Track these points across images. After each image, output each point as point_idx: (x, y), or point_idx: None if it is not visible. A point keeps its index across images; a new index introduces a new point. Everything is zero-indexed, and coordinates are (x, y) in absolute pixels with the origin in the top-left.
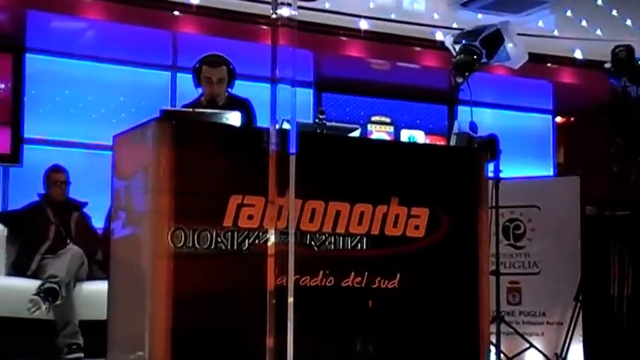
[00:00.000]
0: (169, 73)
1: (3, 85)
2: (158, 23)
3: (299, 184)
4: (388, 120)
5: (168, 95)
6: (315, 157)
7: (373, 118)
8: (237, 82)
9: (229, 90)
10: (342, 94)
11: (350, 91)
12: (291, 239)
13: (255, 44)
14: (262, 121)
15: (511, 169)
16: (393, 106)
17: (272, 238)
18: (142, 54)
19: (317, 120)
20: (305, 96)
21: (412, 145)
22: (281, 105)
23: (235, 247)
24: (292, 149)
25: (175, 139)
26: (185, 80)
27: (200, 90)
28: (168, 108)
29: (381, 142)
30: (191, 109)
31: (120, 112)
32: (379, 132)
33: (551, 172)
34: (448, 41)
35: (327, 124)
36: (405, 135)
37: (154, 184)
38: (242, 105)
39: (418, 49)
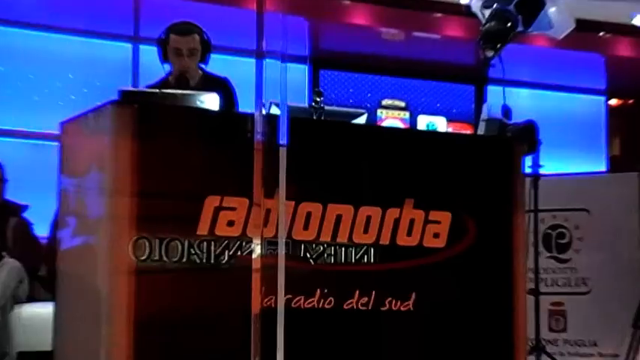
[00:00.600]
0: (130, 46)
1: None
2: None
3: (291, 183)
4: (402, 104)
5: (130, 73)
6: (310, 150)
7: (384, 102)
8: (214, 57)
9: (203, 67)
10: (344, 72)
11: (354, 68)
12: (282, 250)
13: (237, 10)
14: (245, 104)
15: (554, 163)
16: (408, 86)
17: (257, 250)
18: (97, 21)
19: (313, 103)
20: (298, 74)
21: (431, 135)
22: (269, 85)
23: (212, 261)
24: (282, 139)
25: (138, 128)
26: (150, 54)
27: (168, 67)
28: (129, 88)
29: (392, 131)
30: (157, 90)
31: (68, 94)
32: (392, 119)
33: (603, 168)
34: (475, 5)
35: (326, 108)
36: (423, 122)
37: (112, 183)
38: (220, 85)
39: (439, 15)
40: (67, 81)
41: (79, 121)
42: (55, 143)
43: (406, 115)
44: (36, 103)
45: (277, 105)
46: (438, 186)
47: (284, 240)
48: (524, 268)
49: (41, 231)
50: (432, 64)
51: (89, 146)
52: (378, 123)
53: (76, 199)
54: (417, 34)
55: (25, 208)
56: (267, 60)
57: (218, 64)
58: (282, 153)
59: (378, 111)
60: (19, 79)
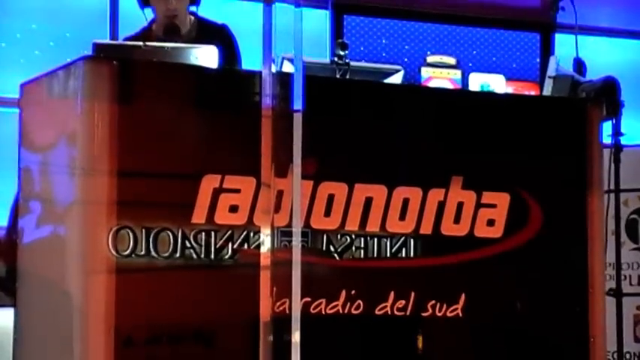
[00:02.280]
0: None
1: None
2: None
3: (308, 158)
4: (452, 61)
5: (106, 21)
6: (333, 117)
7: (430, 59)
8: (213, 1)
9: (195, 12)
10: (374, 18)
11: (387, 14)
12: (297, 242)
13: None
14: (251, 60)
15: (638, 131)
16: (456, 36)
17: (267, 242)
18: None
19: (336, 58)
20: (318, 21)
21: (485, 97)
22: (280, 36)
23: (212, 256)
24: (297, 104)
25: (117, 90)
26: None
27: (151, 13)
28: (106, 41)
29: (435, 92)
30: (141, 43)
31: (32, 48)
32: (439, 79)
33: None
34: None
35: (352, 64)
36: (476, 82)
37: (85, 160)
38: (218, 35)
39: None
40: (29, 32)
41: (44, 81)
42: (15, 110)
43: (457, 74)
44: None
45: (291, 61)
46: (493, 161)
47: (300, 229)
48: (602, 263)
49: None
50: (487, 6)
51: (56, 113)
52: (423, 85)
53: (40, 180)
54: None
55: None
56: (278, 4)
57: (216, 9)
58: (297, 120)
59: (423, 69)
60: None
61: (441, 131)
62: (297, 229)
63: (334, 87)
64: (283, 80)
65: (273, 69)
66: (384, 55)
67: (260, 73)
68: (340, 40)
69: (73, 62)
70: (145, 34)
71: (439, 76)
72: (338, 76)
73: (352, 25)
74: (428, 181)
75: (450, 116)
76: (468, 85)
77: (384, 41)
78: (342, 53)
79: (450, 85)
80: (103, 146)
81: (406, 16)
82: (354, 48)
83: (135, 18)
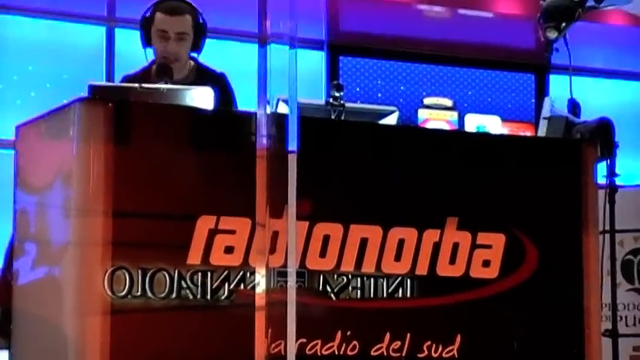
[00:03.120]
0: (104, 28)
1: None
2: None
3: (304, 199)
4: (449, 102)
5: (103, 63)
6: (328, 157)
7: (427, 101)
8: (209, 42)
9: (196, 57)
10: (369, 59)
11: (383, 55)
12: (292, 282)
13: None
14: (246, 101)
15: (634, 171)
16: (452, 77)
17: (263, 282)
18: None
19: (331, 99)
20: (313, 62)
21: (481, 137)
22: (275, 77)
23: (208, 297)
24: (292, 144)
25: (113, 131)
26: (128, 40)
27: (151, 53)
28: (102, 83)
29: (430, 133)
30: (137, 85)
31: (28, 90)
32: (436, 120)
33: None
34: None
35: (347, 105)
36: (472, 122)
37: (81, 200)
38: (215, 82)
39: None
40: (26, 74)
41: (40, 123)
42: (10, 151)
43: (454, 115)
44: None
45: (286, 102)
46: (488, 201)
47: (295, 269)
48: (598, 303)
49: None
50: (483, 48)
51: (52, 155)
52: (420, 125)
53: (36, 221)
54: (463, 11)
55: None
56: (273, 45)
57: (213, 50)
58: (292, 161)
59: (420, 111)
60: None
61: (436, 172)
62: (292, 269)
63: (329, 128)
64: (278, 121)
65: (268, 110)
66: (379, 95)
67: (255, 114)
68: (335, 82)
69: (69, 104)
70: (144, 73)
71: (436, 118)
72: (333, 117)
73: (348, 66)
74: (423, 222)
75: (445, 157)
76: (464, 127)
77: (379, 82)
78: (337, 94)
79: (446, 127)
80: (99, 187)
81: (402, 57)
82: (349, 89)
83: (131, 58)
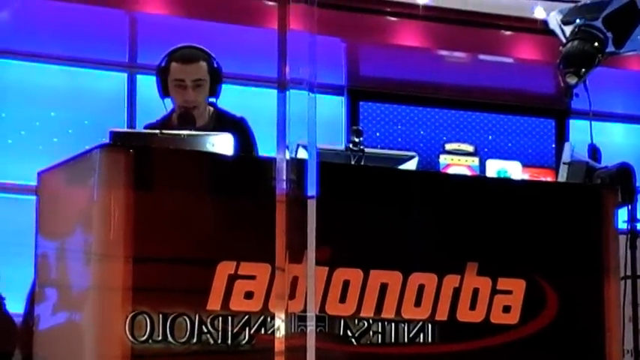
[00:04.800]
0: (125, 75)
1: None
2: (109, 0)
3: (323, 244)
4: (470, 148)
5: (124, 110)
6: (347, 203)
7: (448, 147)
8: (226, 87)
9: (214, 102)
10: (389, 104)
11: (402, 100)
12: (312, 327)
13: (254, 29)
14: (266, 147)
15: None
16: (472, 122)
17: (283, 327)
18: (84, 46)
19: (351, 145)
20: (333, 107)
21: (501, 183)
22: (295, 122)
23: (228, 341)
24: (312, 190)
25: (133, 177)
26: (150, 86)
27: (170, 102)
28: (123, 129)
29: (450, 179)
30: (158, 131)
31: (50, 136)
32: (457, 166)
33: None
34: (554, 21)
35: (367, 150)
36: (493, 168)
37: (102, 246)
38: (235, 127)
39: (509, 33)
40: (48, 120)
41: (62, 170)
42: (32, 197)
43: (475, 161)
44: (9, 147)
45: (305, 147)
46: (509, 246)
47: (314, 314)
48: (619, 350)
49: (15, 307)
50: (503, 93)
51: (73, 201)
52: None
53: (57, 266)
54: (483, 56)
55: None
56: (292, 90)
57: (231, 95)
58: (312, 206)
59: (441, 157)
60: None
61: (456, 217)
62: (311, 314)
63: (349, 173)
64: (297, 166)
65: (288, 155)
66: (399, 141)
67: (274, 159)
68: (355, 127)
69: (90, 150)
70: (164, 122)
71: (457, 164)
72: (353, 162)
73: (368, 111)
74: (443, 267)
75: (466, 202)
76: (485, 172)
77: (399, 127)
78: (357, 140)
79: (468, 173)
80: (119, 232)
81: (422, 102)
82: (369, 134)
83: (153, 103)
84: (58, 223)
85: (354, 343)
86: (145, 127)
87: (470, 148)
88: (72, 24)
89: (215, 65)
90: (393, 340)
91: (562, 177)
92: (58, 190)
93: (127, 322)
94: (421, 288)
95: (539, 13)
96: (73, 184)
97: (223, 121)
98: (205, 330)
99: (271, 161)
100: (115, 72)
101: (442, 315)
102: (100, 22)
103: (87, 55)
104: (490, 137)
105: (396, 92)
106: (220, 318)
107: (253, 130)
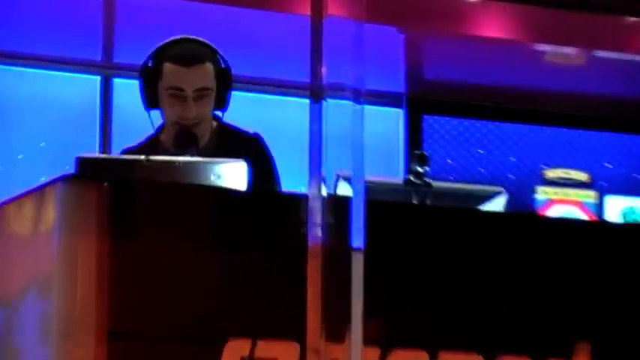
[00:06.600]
0: (98, 78)
1: None
2: None
3: (373, 315)
4: (584, 176)
5: (97, 124)
6: (408, 257)
7: (549, 174)
8: (239, 95)
9: (219, 115)
10: (464, 119)
11: (482, 114)
12: None
13: (278, 15)
14: (290, 178)
15: None
16: (584, 144)
17: None
18: (42, 40)
19: (412, 176)
20: (388, 123)
21: (628, 231)
22: (333, 144)
23: None
24: (357, 239)
25: (108, 222)
26: (131, 93)
27: (159, 116)
28: (94, 154)
29: (558, 225)
30: (142, 157)
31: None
32: (564, 204)
33: None
34: None
35: (435, 184)
36: (615, 207)
37: (65, 318)
38: (246, 148)
39: (633, 19)
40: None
41: (8, 209)
42: None
43: (590, 196)
44: None
45: (348, 180)
46: (634, 321)
47: None
48: None
49: None
50: (627, 104)
51: (25, 254)
52: (540, 212)
53: (3, 344)
54: (601, 53)
55: None
56: (330, 100)
57: (245, 106)
58: (358, 262)
59: (538, 189)
60: None
61: (563, 282)
62: None
63: (410, 216)
64: (337, 206)
65: (324, 191)
66: (479, 170)
67: (305, 196)
68: (418, 152)
69: (49, 183)
70: (151, 144)
71: (564, 199)
72: (415, 201)
73: (434, 128)
74: (541, 348)
75: (578, 259)
76: (604, 213)
77: (479, 151)
78: (420, 169)
79: (581, 214)
80: (89, 298)
81: (510, 116)
82: (437, 161)
83: (135, 117)
84: (5, 282)
85: None
86: (124, 152)
87: (582, 177)
88: (27, 11)
89: (223, 66)
90: None
91: None
92: (4, 238)
93: None
94: None
95: None
96: (23, 230)
97: (230, 139)
98: None
99: (301, 198)
100: (84, 74)
101: None
102: (65, 7)
103: (45, 52)
104: (609, 165)
105: (473, 102)
106: None
107: (273, 153)
